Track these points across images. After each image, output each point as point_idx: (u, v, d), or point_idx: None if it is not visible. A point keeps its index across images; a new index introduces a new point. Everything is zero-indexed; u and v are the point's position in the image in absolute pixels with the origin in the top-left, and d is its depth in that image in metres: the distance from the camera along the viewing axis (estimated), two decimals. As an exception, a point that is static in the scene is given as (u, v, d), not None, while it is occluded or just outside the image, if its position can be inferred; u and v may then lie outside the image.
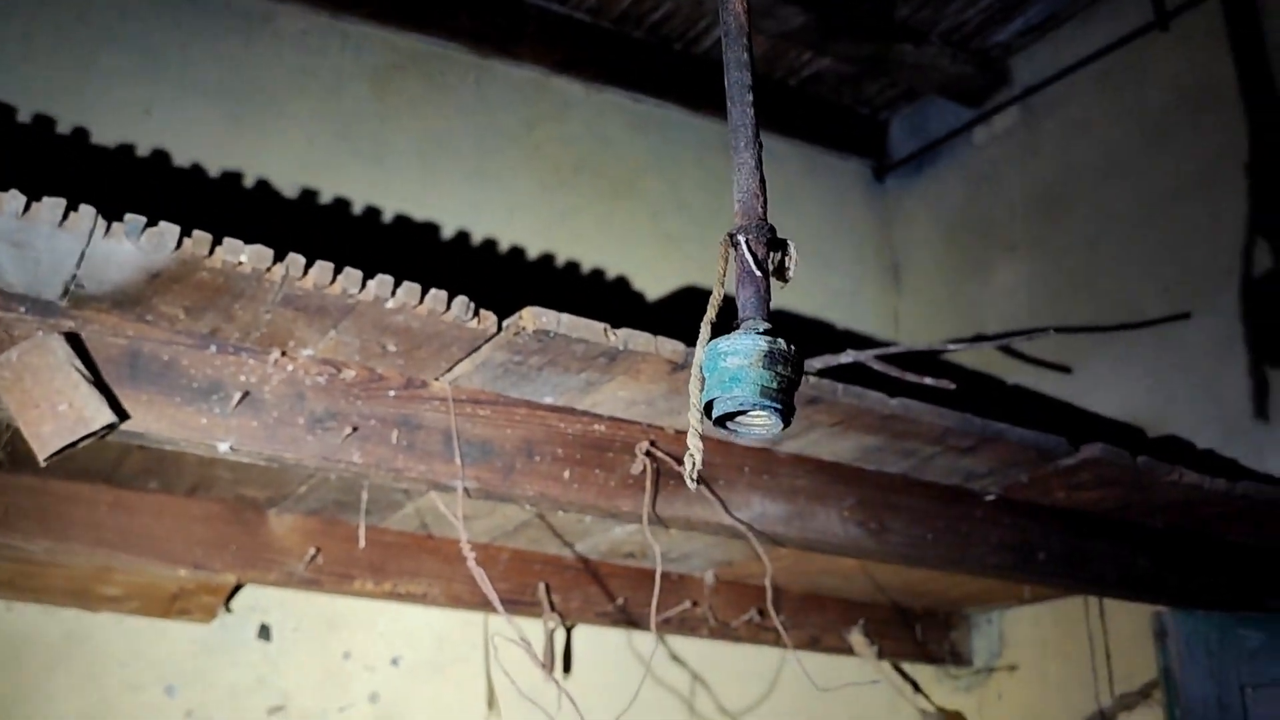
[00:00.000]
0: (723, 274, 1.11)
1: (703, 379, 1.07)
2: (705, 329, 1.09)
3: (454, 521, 2.03)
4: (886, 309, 4.37)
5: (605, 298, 3.84)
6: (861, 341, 4.00)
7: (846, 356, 2.10)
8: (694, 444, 1.11)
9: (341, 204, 3.44)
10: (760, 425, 1.10)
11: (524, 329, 1.80)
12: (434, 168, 3.62)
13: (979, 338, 3.66)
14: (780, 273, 1.13)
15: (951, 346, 2.25)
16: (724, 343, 1.05)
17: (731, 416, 1.09)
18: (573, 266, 3.81)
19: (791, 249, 1.14)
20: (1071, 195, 3.84)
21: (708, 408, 1.08)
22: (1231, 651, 2.43)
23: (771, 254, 1.12)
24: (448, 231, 3.59)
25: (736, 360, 1.04)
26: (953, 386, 2.12)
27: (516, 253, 3.69)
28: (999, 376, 3.88)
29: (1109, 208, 3.69)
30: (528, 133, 3.85)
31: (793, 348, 1.07)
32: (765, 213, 1.13)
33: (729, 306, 1.14)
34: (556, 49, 3.93)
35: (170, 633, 2.77)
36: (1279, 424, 3.11)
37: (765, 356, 1.05)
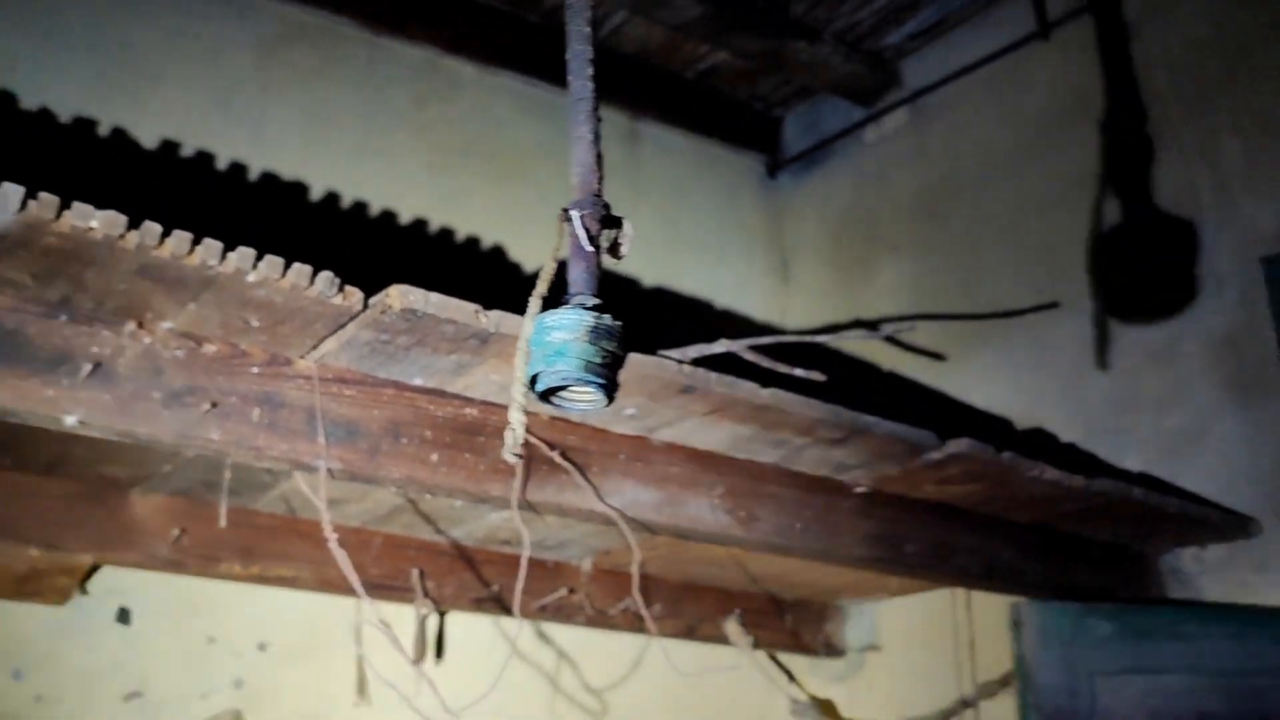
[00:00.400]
0: (557, 249, 1.10)
1: (529, 353, 1.06)
2: (534, 303, 1.09)
3: (317, 503, 1.98)
4: (774, 304, 4.42)
5: (495, 280, 3.80)
6: (748, 333, 4.05)
7: (720, 346, 2.11)
8: (515, 418, 1.10)
9: (222, 172, 3.33)
10: (585, 400, 1.10)
11: (390, 307, 1.76)
12: (319, 142, 3.54)
13: (854, 323, 3.77)
14: (614, 250, 1.13)
15: (821, 338, 2.28)
16: (550, 317, 1.05)
17: (557, 391, 1.08)
18: (461, 247, 3.76)
19: (627, 227, 1.14)
20: (955, 197, 3.94)
21: (534, 382, 1.07)
22: (1082, 640, 2.52)
23: (606, 231, 1.12)
24: (332, 205, 3.52)
25: (562, 335, 1.03)
26: (823, 378, 2.15)
27: (404, 230, 3.63)
28: (889, 370, 3.97)
29: (990, 210, 3.80)
30: (418, 111, 3.79)
31: (619, 324, 1.06)
32: (601, 188, 1.12)
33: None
34: (449, 28, 3.88)
35: (19, 614, 2.65)
36: (1136, 425, 3.24)
37: (591, 331, 1.04)
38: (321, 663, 2.99)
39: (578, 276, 1.11)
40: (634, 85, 4.29)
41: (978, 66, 3.91)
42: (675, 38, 4.12)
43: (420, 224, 3.69)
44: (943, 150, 4.01)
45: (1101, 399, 3.36)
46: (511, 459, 1.18)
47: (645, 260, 4.15)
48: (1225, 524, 2.87)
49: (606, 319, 1.06)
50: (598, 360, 1.05)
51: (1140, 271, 3.36)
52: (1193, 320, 3.19)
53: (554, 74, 4.18)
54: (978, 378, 3.70)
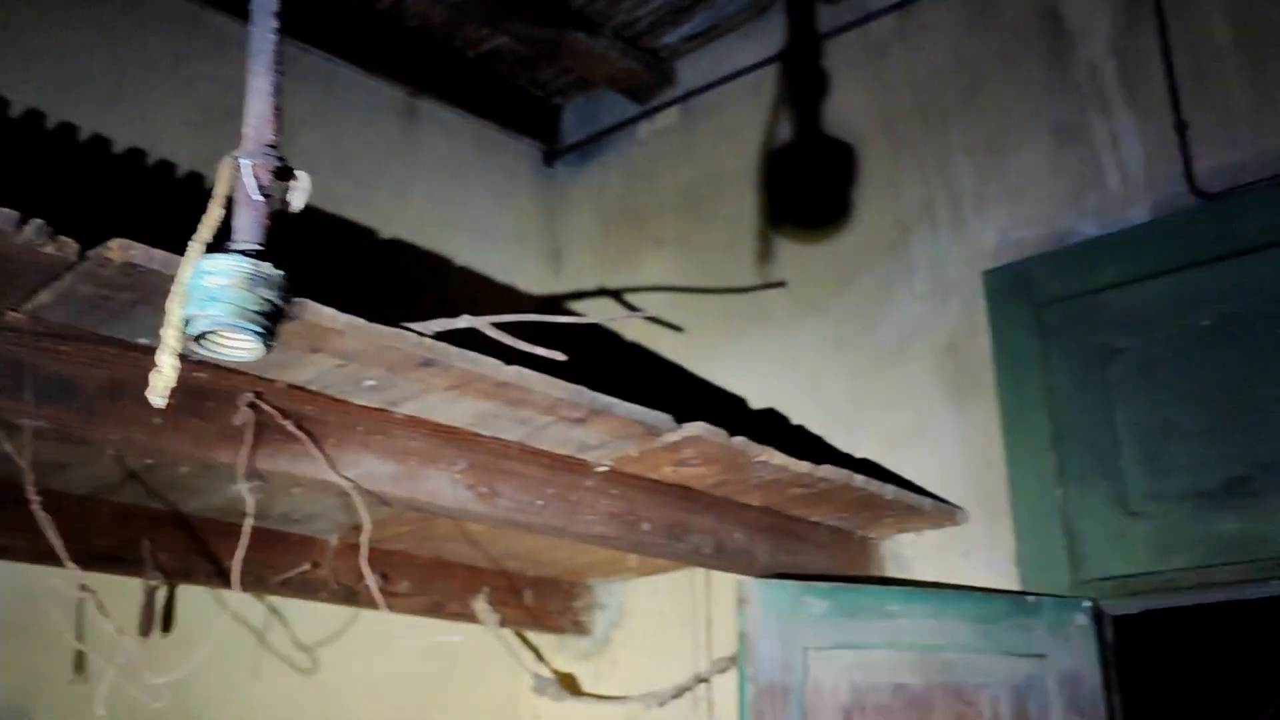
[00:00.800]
0: (223, 195, 1.10)
1: (186, 296, 1.06)
2: (194, 246, 1.08)
3: (21, 464, 1.88)
4: (545, 291, 4.48)
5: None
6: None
7: (463, 321, 2.14)
8: (164, 361, 1.10)
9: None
10: (242, 348, 1.11)
11: (110, 261, 1.69)
12: (65, 90, 3.33)
13: (599, 290, 3.91)
14: (286, 202, 1.14)
15: (561, 319, 2.33)
16: (209, 261, 1.05)
17: (212, 336, 1.08)
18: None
19: (302, 179, 1.16)
20: (718, 196, 4.10)
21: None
22: (800, 617, 2.69)
23: (279, 182, 1.13)
24: (81, 153, 3.33)
25: (217, 280, 1.04)
26: (563, 358, 2.21)
27: (162, 186, 3.46)
28: (659, 357, 4.08)
29: (746, 213, 3.98)
30: (177, 66, 3.62)
31: (281, 273, 1.08)
32: (277, 140, 1.14)
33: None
34: (216, -17, 3.74)
35: None
36: (868, 419, 3.48)
37: (248, 279, 1.05)
38: (35, 639, 2.83)
39: (243, 224, 1.11)
40: (414, 61, 4.25)
41: (745, 73, 4.08)
42: (456, 16, 4.11)
43: (178, 181, 3.53)
44: (708, 152, 4.16)
45: (840, 394, 3.58)
46: (157, 402, 1.17)
47: (418, 236, 4.13)
48: (937, 512, 3.13)
49: (267, 267, 1.07)
50: (254, 308, 1.06)
51: (804, 189, 3.89)
52: (921, 326, 3.45)
53: (330, 43, 4.15)
54: (732, 369, 3.87)
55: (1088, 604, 2.82)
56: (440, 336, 2.12)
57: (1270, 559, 2.65)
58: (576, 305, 4.32)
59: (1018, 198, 3.36)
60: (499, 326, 2.16)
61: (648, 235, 4.25)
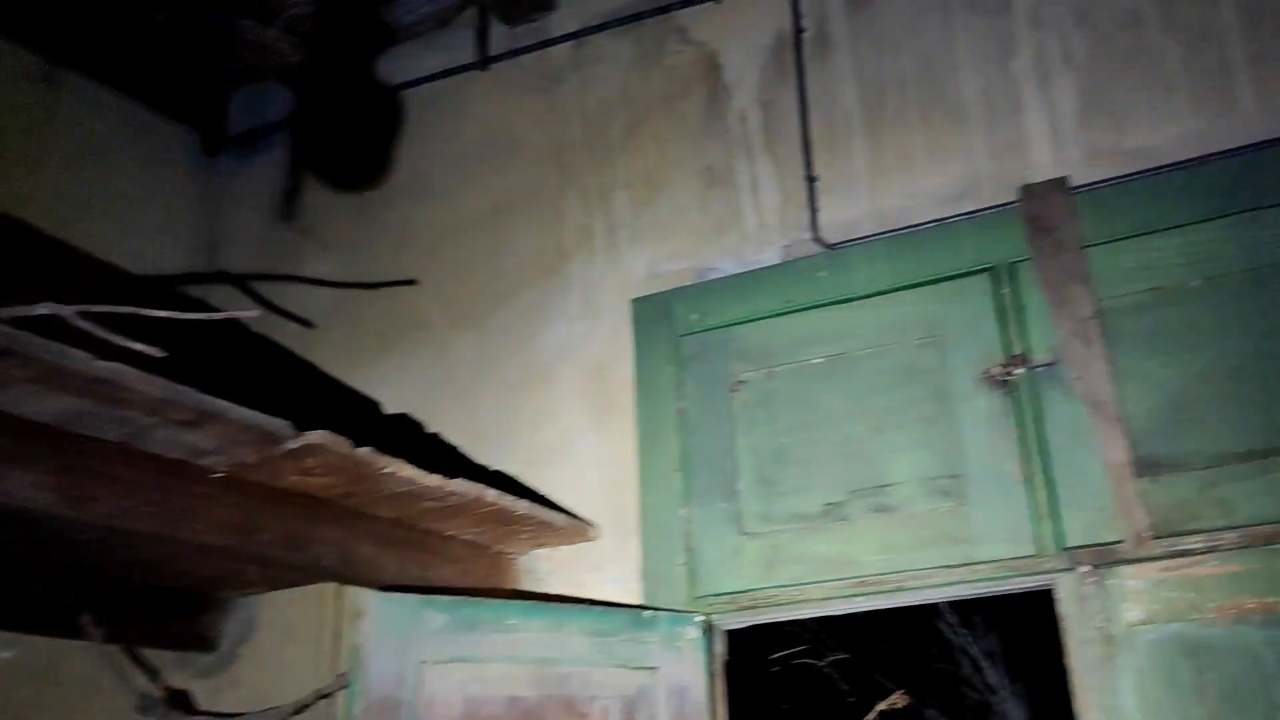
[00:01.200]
0: None
1: None
2: None
3: None
4: (197, 286, 4.24)
5: None
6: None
7: (44, 308, 1.98)
8: None
9: None
10: None
11: None
12: None
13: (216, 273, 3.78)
14: None
15: (163, 313, 2.19)
16: None
17: None
18: None
19: None
20: (389, 205, 4.04)
21: None
22: (418, 631, 2.68)
23: None
24: None
25: None
26: (160, 353, 2.08)
27: None
28: (307, 360, 3.95)
29: (421, 222, 3.95)
30: None
31: None
32: None
33: None
34: None
35: None
36: (516, 435, 3.53)
37: None
38: None
39: None
40: (59, 28, 3.91)
41: (422, 82, 4.07)
42: (113, -13, 3.84)
43: None
44: (380, 156, 4.11)
45: (491, 409, 3.61)
46: None
47: (48, 217, 3.79)
48: (571, 528, 3.21)
49: None
50: None
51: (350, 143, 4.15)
52: (572, 348, 3.55)
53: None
54: (388, 379, 3.81)
55: (700, 619, 2.98)
56: (19, 324, 1.95)
57: (854, 578, 2.91)
58: (234, 306, 4.12)
59: (667, 233, 3.54)
60: (90, 316, 2.01)
61: (311, 236, 4.13)
